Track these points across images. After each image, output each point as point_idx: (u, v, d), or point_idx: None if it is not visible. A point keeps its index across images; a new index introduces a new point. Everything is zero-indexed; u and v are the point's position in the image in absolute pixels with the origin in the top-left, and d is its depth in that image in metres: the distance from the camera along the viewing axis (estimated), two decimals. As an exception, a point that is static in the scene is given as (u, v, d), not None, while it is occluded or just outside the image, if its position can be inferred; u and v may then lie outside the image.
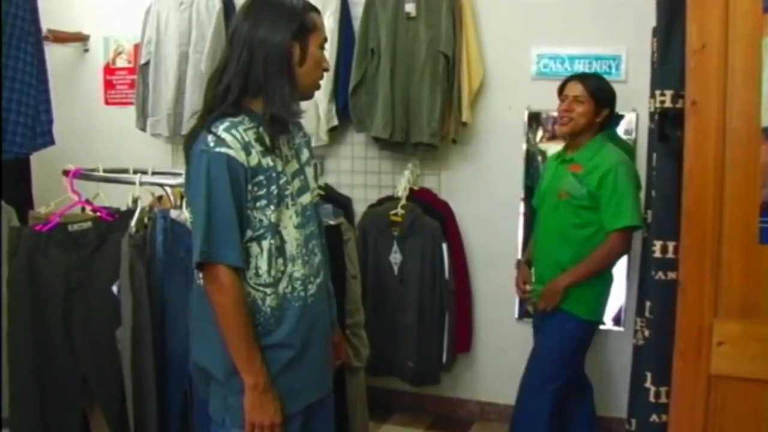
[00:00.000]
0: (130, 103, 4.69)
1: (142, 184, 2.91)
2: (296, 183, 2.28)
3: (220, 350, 2.15)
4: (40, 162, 4.04)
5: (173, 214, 2.82)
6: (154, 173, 3.14)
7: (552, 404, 3.40)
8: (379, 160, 4.40)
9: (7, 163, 3.51)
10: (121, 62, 4.91)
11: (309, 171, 2.38)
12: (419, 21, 4.04)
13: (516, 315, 4.25)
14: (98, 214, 2.86)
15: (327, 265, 2.46)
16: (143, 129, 4.57)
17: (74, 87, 4.92)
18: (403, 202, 4.12)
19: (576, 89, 3.40)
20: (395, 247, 4.13)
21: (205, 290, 2.17)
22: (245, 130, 2.14)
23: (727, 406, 2.19)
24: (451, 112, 4.02)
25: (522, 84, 4.07)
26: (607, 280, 3.49)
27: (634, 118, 3.89)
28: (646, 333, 2.66)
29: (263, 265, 2.18)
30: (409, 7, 4.04)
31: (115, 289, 2.73)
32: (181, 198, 2.79)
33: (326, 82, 4.13)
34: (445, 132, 4.04)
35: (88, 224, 2.81)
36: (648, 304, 2.61)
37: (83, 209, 2.95)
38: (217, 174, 2.08)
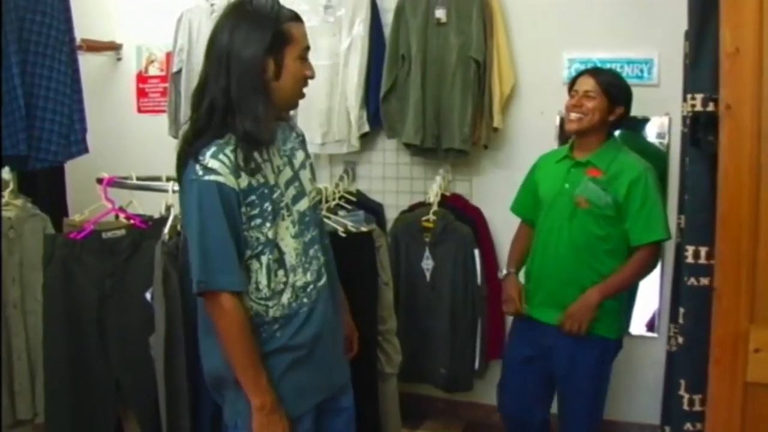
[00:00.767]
0: (163, 111, 4.73)
1: (174, 191, 2.92)
2: (291, 192, 2.26)
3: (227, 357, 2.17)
4: (74, 170, 4.09)
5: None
6: (186, 181, 3.14)
7: None
8: (411, 166, 4.41)
9: (42, 172, 3.56)
10: (153, 70, 4.96)
11: (304, 175, 2.34)
12: (450, 27, 4.03)
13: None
14: (132, 221, 2.88)
15: (332, 264, 2.46)
16: (176, 137, 4.57)
17: (107, 95, 4.98)
18: (434, 208, 4.11)
19: (587, 84, 3.10)
20: (427, 253, 4.12)
21: (208, 316, 2.18)
22: (232, 151, 2.10)
23: (765, 414, 2.15)
24: (483, 117, 4.00)
25: (553, 89, 4.02)
26: (628, 292, 3.40)
27: (666, 122, 3.86)
28: (680, 340, 2.62)
29: (263, 280, 2.19)
30: (440, 13, 4.04)
31: (148, 296, 2.74)
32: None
33: (357, 88, 4.17)
34: (476, 138, 4.03)
35: (122, 232, 2.83)
36: (681, 310, 2.58)
37: (117, 217, 2.97)
38: (209, 202, 2.07)
